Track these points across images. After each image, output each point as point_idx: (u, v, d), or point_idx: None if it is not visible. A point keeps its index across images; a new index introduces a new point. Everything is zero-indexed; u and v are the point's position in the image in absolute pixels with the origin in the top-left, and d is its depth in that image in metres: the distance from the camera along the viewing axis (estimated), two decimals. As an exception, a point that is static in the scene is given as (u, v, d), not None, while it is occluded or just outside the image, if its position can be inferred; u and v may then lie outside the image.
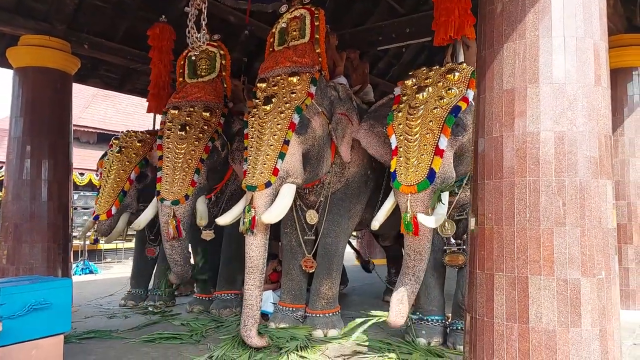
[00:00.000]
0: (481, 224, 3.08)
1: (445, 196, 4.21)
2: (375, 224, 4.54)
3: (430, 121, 4.24)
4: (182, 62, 6.38)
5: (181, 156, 5.53)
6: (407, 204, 4.14)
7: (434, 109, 4.29)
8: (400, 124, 4.40)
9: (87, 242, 6.89)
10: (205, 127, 5.75)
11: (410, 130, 4.29)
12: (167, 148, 5.61)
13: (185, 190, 5.42)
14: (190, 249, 5.95)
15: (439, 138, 4.15)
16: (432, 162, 4.09)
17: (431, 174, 4.06)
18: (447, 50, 5.32)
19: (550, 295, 2.77)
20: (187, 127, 5.66)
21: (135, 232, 6.56)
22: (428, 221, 4.08)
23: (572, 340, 2.73)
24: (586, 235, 2.81)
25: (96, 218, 6.39)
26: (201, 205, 5.71)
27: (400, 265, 7.76)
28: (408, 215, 4.12)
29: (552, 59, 2.90)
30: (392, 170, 4.29)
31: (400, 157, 4.26)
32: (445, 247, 4.94)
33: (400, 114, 4.47)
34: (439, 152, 4.12)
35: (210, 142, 5.73)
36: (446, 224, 4.79)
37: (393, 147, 4.37)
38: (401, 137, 4.33)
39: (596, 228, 2.84)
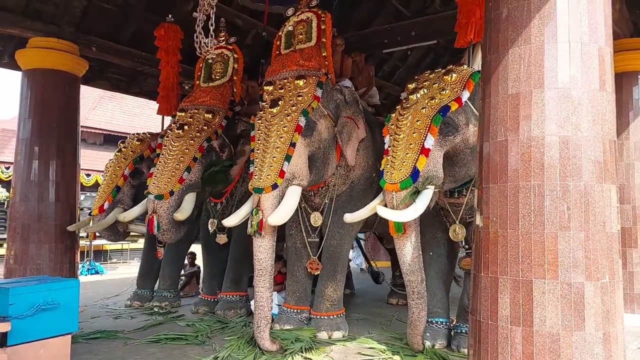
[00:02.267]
0: (486, 227, 3.10)
1: (427, 194, 4.15)
2: (348, 218, 4.55)
3: (417, 121, 4.26)
4: (200, 65, 6.43)
5: (174, 153, 5.56)
6: (393, 202, 4.17)
7: (423, 109, 4.32)
8: (392, 125, 4.46)
9: (86, 235, 6.89)
10: (205, 127, 5.79)
11: (398, 130, 4.34)
12: (164, 146, 5.69)
13: (172, 186, 5.40)
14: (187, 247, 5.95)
15: (426, 137, 4.17)
16: (417, 161, 4.11)
17: (415, 173, 4.08)
18: (465, 53, 5.34)
19: (554, 298, 2.79)
20: (185, 127, 5.72)
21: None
22: (396, 215, 4.07)
23: (576, 343, 2.75)
24: (590, 239, 2.82)
25: (89, 214, 6.52)
26: (187, 202, 5.56)
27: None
28: None
29: (557, 64, 2.92)
30: (381, 169, 4.34)
31: (388, 156, 4.30)
32: (465, 252, 4.96)
33: (393, 116, 4.54)
34: (424, 152, 4.14)
35: (206, 142, 5.73)
36: (457, 228, 4.80)
37: (386, 147, 4.42)
38: (391, 138, 4.38)
39: (600, 232, 2.86)
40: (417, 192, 4.12)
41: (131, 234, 7.23)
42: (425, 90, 4.47)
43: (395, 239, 4.32)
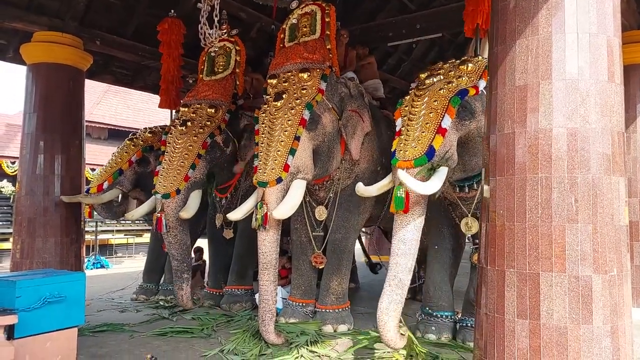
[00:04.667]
0: (492, 220, 3.08)
1: (443, 172, 4.02)
2: (361, 190, 4.30)
3: (434, 101, 4.16)
4: (203, 59, 6.41)
5: (178, 151, 5.56)
6: (402, 179, 3.91)
7: (440, 90, 4.23)
8: (406, 106, 4.34)
9: (85, 214, 6.93)
10: (208, 123, 5.77)
11: (413, 110, 4.23)
12: (168, 143, 5.68)
13: (178, 184, 5.41)
14: (189, 244, 5.91)
15: (443, 117, 4.06)
16: (432, 140, 3.98)
17: (430, 151, 3.95)
18: (471, 44, 5.28)
19: (561, 291, 2.77)
20: (188, 123, 5.70)
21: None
22: (413, 182, 3.82)
23: (584, 337, 2.73)
24: (598, 232, 2.80)
25: (87, 191, 6.59)
26: (193, 200, 5.59)
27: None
28: (400, 189, 3.90)
29: (565, 56, 2.89)
30: (392, 149, 4.17)
31: (402, 135, 4.16)
32: (474, 247, 4.92)
33: (407, 98, 4.42)
34: (441, 131, 4.01)
35: (209, 137, 5.71)
36: (469, 222, 4.74)
37: (397, 129, 4.31)
38: (405, 118, 4.25)
39: (608, 225, 2.83)
40: (432, 169, 3.98)
41: (136, 228, 7.28)
42: (442, 77, 4.38)
43: (397, 217, 4.02)
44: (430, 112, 4.11)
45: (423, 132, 4.04)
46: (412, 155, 3.97)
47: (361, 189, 4.31)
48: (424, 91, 4.31)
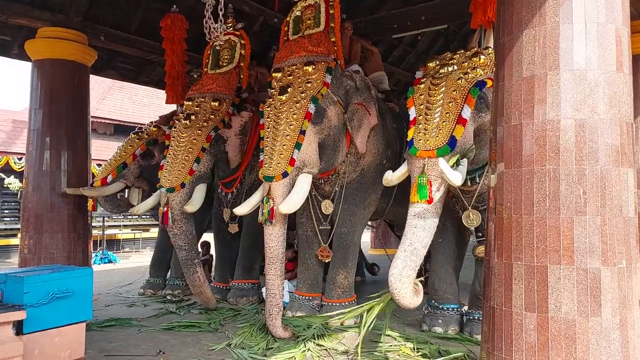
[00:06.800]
0: (500, 213, 3.06)
1: (464, 164, 4.07)
2: (389, 178, 4.29)
3: (453, 91, 4.14)
4: (207, 53, 6.40)
5: (183, 145, 5.56)
6: (422, 168, 3.95)
7: (458, 79, 4.20)
8: (421, 95, 4.30)
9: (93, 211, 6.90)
10: (212, 117, 5.76)
11: (431, 99, 4.19)
12: (172, 137, 5.68)
13: (182, 178, 5.42)
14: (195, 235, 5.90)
15: (462, 108, 4.05)
16: (453, 130, 3.97)
17: (452, 141, 3.94)
18: (474, 35, 5.24)
19: (570, 284, 2.75)
20: (192, 117, 5.70)
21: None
22: (451, 172, 3.85)
23: (592, 329, 2.71)
24: (607, 224, 2.78)
25: (92, 184, 6.61)
26: (198, 193, 5.61)
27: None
28: (424, 178, 3.91)
29: (572, 46, 2.85)
30: (408, 139, 4.15)
31: (419, 124, 4.13)
32: (477, 240, 4.90)
33: (422, 86, 4.38)
34: (461, 121, 4.01)
35: (213, 131, 5.71)
36: (471, 215, 4.72)
37: (411, 118, 4.28)
38: (421, 107, 4.22)
39: (617, 217, 2.80)
40: (456, 161, 3.99)
41: (143, 223, 7.29)
42: (456, 67, 4.36)
43: (415, 206, 3.95)
44: (450, 102, 4.09)
45: (444, 121, 4.02)
46: (433, 145, 3.96)
47: (388, 177, 4.27)
48: (441, 80, 4.28)
